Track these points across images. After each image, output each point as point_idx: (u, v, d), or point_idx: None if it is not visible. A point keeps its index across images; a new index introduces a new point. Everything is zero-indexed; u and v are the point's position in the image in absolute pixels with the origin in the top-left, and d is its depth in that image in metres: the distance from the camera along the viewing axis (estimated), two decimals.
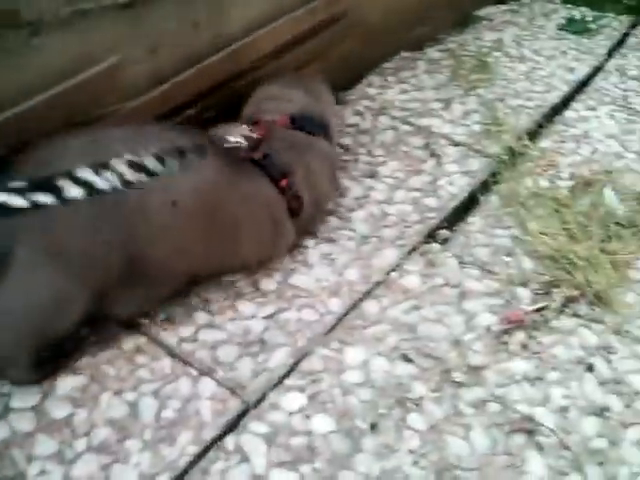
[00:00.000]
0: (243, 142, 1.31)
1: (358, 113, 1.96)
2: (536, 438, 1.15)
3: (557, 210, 1.62)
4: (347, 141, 1.83)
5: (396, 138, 1.86)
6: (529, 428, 1.16)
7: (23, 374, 1.14)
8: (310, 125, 1.46)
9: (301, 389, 1.19)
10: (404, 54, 2.28)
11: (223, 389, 1.18)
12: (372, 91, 2.08)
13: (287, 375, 1.21)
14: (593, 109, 2.06)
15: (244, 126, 1.38)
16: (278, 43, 1.71)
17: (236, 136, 1.31)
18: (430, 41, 2.36)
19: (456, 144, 1.85)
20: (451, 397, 1.20)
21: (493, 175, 1.73)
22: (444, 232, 1.57)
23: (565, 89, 2.15)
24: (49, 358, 1.16)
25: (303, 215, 1.38)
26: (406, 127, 1.91)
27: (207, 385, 1.18)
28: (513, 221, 1.60)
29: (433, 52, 2.32)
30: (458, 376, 1.23)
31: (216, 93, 1.58)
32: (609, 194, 1.67)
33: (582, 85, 2.19)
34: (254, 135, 1.34)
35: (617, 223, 1.57)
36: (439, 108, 2.01)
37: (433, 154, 1.81)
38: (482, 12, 2.62)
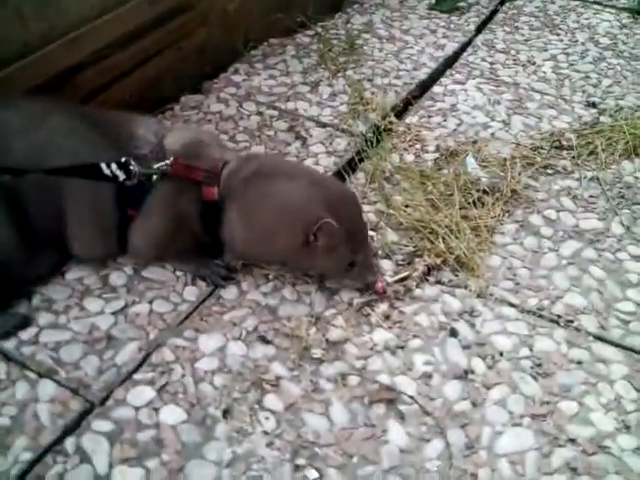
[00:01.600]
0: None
1: (222, 101, 1.94)
2: (397, 407, 1.15)
3: (422, 182, 1.64)
4: (210, 129, 1.80)
5: (261, 123, 1.85)
6: (389, 397, 1.16)
7: None
8: None
9: (150, 382, 1.15)
10: (272, 40, 2.27)
11: (65, 390, 1.13)
12: (238, 78, 2.06)
13: (136, 370, 1.17)
14: (461, 83, 2.10)
15: None
16: (119, 33, 1.67)
17: None
18: (300, 27, 2.36)
19: (322, 125, 1.85)
20: (310, 374, 1.19)
21: (358, 153, 1.74)
22: None
23: (433, 65, 2.19)
24: None
25: None
26: (271, 112, 1.90)
27: (47, 387, 1.13)
28: (378, 197, 1.61)
29: (302, 37, 2.32)
30: (317, 352, 1.22)
31: (56, 86, 1.53)
32: (470, 161, 1.70)
33: (451, 61, 2.24)
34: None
35: (481, 190, 1.60)
36: (306, 91, 2.01)
37: (298, 136, 1.80)
38: None
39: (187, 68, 1.95)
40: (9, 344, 1.19)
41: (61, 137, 1.24)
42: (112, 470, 1.02)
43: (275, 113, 1.90)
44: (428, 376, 1.20)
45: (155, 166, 1.23)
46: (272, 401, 1.14)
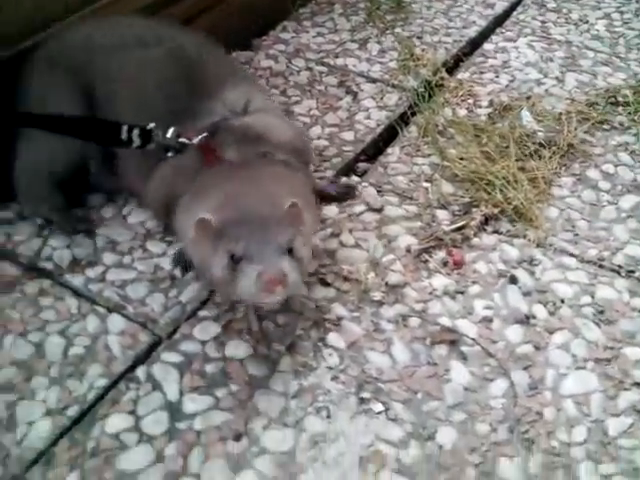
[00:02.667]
0: None
1: (271, 57, 1.96)
2: (459, 348, 1.18)
3: (477, 135, 1.65)
4: (261, 83, 1.83)
5: (311, 78, 1.87)
6: (451, 339, 1.19)
7: None
8: None
9: (215, 319, 1.19)
10: None
11: (133, 324, 1.18)
12: (286, 36, 2.08)
13: (200, 308, 1.21)
14: (512, 40, 2.10)
15: None
16: None
17: None
18: None
19: (373, 80, 1.87)
20: (370, 315, 1.22)
21: (410, 108, 1.76)
22: (362, 165, 1.59)
23: (483, 24, 2.19)
24: None
25: None
26: (321, 68, 1.92)
27: (116, 321, 1.18)
28: (432, 150, 1.63)
29: None
30: (377, 295, 1.25)
31: None
32: (525, 115, 1.71)
33: (501, 19, 2.23)
34: None
35: (537, 143, 1.62)
36: (355, 48, 2.02)
37: (349, 91, 1.82)
38: None
39: (236, 25, 1.98)
40: (77, 281, 1.25)
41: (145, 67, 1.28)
42: (182, 397, 1.07)
43: (325, 69, 1.92)
44: (489, 320, 1.23)
45: (179, 140, 1.19)
46: (334, 339, 1.18)
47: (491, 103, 1.79)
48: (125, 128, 1.17)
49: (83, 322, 1.18)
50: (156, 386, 1.08)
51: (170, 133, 1.17)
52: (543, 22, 2.22)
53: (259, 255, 1.01)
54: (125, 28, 1.34)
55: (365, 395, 1.09)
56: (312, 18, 2.19)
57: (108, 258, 1.30)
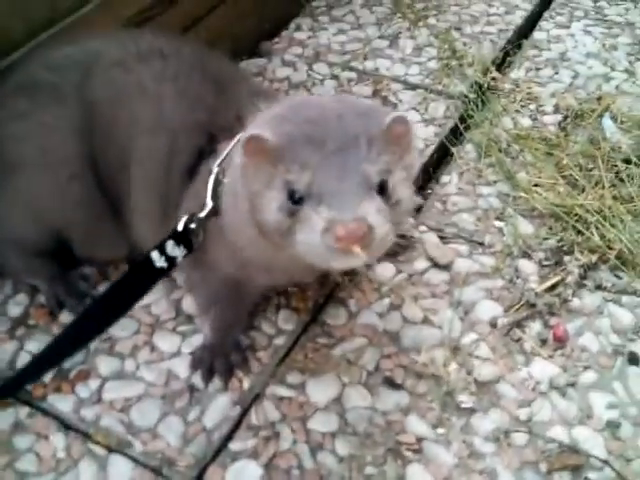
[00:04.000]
0: None
1: (288, 64, 1.59)
2: (586, 475, 0.83)
3: (549, 153, 1.29)
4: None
5: (338, 88, 1.50)
6: (574, 463, 0.84)
7: None
8: None
9: (254, 454, 0.84)
10: None
11: (143, 470, 0.82)
12: (302, 36, 1.70)
13: (231, 435, 0.86)
14: (565, 26, 1.72)
15: None
16: None
17: None
18: None
19: (412, 87, 1.50)
20: (460, 432, 0.87)
21: (463, 120, 1.39)
22: (415, 199, 1.23)
23: (528, 7, 1.80)
24: None
25: None
26: (348, 74, 1.54)
27: (120, 466, 0.83)
28: (498, 174, 1.27)
29: None
30: (465, 399, 0.90)
31: None
32: (607, 124, 1.34)
33: (547, 1, 1.85)
34: None
35: (626, 160, 1.25)
36: (385, 47, 1.64)
37: (386, 102, 1.45)
38: None
39: (244, 28, 1.61)
40: (65, 404, 0.89)
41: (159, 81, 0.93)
42: None
43: (353, 75, 1.54)
44: (616, 425, 0.88)
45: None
46: (418, 474, 0.83)
47: (557, 108, 1.42)
48: (155, 254, 0.83)
49: (74, 471, 0.83)
50: None
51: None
52: (595, 1, 1.84)
53: (332, 193, 0.67)
54: (129, 41, 0.97)
55: None
56: (329, 12, 1.80)
57: (105, 365, 0.94)
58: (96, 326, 0.83)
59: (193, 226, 0.83)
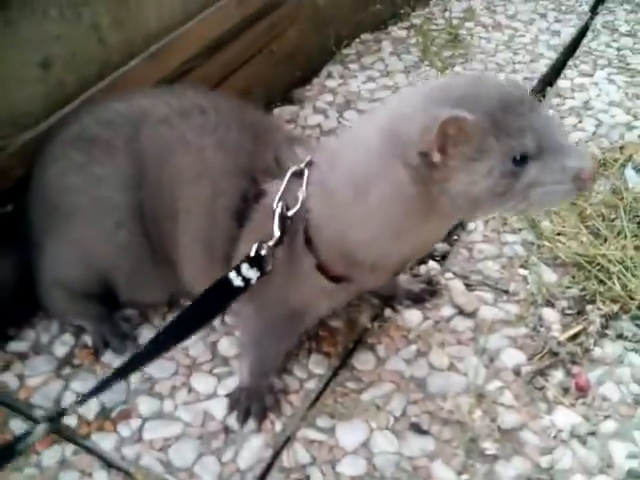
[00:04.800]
0: None
1: (319, 111, 1.64)
2: None
3: (573, 203, 1.32)
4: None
5: None
6: None
7: None
8: None
9: None
10: (365, 36, 1.96)
11: None
12: (332, 83, 1.75)
13: (264, 477, 0.90)
14: (589, 75, 1.76)
15: None
16: (207, 40, 1.39)
17: None
18: (392, 18, 2.05)
19: None
20: (485, 478, 0.89)
21: None
22: (441, 245, 1.26)
23: (552, 55, 1.84)
24: None
25: None
26: None
27: None
28: (522, 223, 1.30)
29: (397, 30, 2.00)
30: (489, 446, 0.93)
31: None
32: (630, 174, 1.36)
33: (571, 49, 1.89)
34: None
35: None
36: None
37: None
38: None
39: (277, 75, 1.66)
40: (108, 443, 0.93)
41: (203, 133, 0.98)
42: None
43: None
44: (636, 475, 0.90)
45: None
46: None
47: None
48: (232, 274, 0.87)
49: None
50: None
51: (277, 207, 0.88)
52: (619, 49, 1.87)
53: (563, 147, 0.77)
54: (172, 98, 1.03)
55: None
56: (359, 59, 1.86)
57: (145, 405, 0.98)
58: (177, 336, 0.87)
59: (264, 252, 0.87)
